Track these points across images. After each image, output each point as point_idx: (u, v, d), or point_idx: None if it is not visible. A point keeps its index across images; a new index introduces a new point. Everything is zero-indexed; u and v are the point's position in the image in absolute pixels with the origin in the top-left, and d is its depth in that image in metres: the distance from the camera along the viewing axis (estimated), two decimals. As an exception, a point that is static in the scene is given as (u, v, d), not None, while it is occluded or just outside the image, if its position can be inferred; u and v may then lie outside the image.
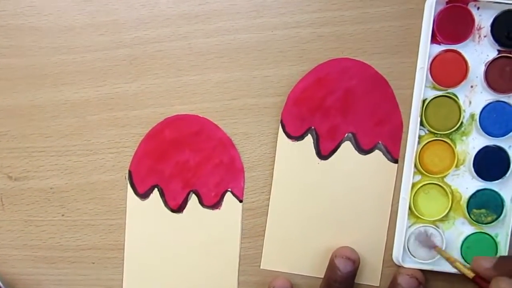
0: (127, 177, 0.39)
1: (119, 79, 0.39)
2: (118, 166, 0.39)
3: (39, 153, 0.39)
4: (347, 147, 0.39)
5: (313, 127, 0.39)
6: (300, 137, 0.39)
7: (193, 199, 0.39)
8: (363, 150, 0.39)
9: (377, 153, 0.39)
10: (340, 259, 0.37)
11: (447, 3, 0.37)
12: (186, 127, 0.39)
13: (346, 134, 0.39)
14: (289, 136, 0.39)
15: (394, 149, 0.38)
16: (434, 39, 0.37)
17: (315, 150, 0.39)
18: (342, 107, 0.38)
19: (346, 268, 0.37)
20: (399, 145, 0.38)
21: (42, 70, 0.39)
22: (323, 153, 0.39)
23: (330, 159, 0.39)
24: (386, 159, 0.39)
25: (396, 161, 0.39)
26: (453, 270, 0.37)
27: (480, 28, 0.37)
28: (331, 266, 0.37)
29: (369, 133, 0.39)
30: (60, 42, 0.39)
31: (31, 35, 0.39)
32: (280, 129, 0.39)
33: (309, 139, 0.39)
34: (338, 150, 0.39)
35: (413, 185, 0.38)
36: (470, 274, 0.34)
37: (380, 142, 0.39)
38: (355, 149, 0.39)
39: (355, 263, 0.37)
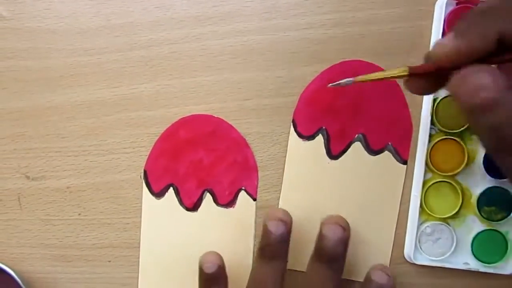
0: (142, 176, 0.40)
1: (134, 80, 0.39)
2: (133, 165, 0.40)
3: (56, 153, 0.40)
4: (357, 147, 0.39)
5: (324, 127, 0.39)
6: (311, 137, 0.39)
7: (208, 197, 0.40)
8: (373, 151, 0.39)
9: (386, 154, 0.39)
10: (272, 222, 0.36)
11: (457, 4, 0.37)
12: (200, 127, 0.39)
13: (357, 135, 0.39)
14: (300, 135, 0.39)
15: (403, 151, 0.39)
16: (444, 40, 0.37)
17: (326, 149, 0.39)
18: (353, 108, 0.39)
19: (278, 230, 0.35)
20: (408, 146, 0.39)
21: (58, 72, 0.40)
22: (333, 153, 0.39)
23: (340, 159, 0.39)
24: (395, 160, 0.39)
25: (405, 163, 0.39)
26: (465, 267, 0.38)
27: (489, 29, 0.38)
28: (264, 230, 0.36)
29: (379, 134, 0.39)
30: (76, 44, 0.39)
31: (48, 38, 0.39)
32: (292, 128, 0.39)
33: (320, 139, 0.39)
34: (348, 151, 0.39)
35: (424, 183, 0.38)
36: (404, 71, 0.29)
37: (389, 143, 0.39)
38: (365, 149, 0.39)
39: (287, 225, 0.36)
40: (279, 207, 0.39)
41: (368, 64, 0.39)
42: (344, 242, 0.36)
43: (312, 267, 0.37)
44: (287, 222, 0.36)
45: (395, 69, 0.29)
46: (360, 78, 0.31)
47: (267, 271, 0.36)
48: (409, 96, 0.39)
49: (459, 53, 0.25)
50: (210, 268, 0.36)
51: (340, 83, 0.32)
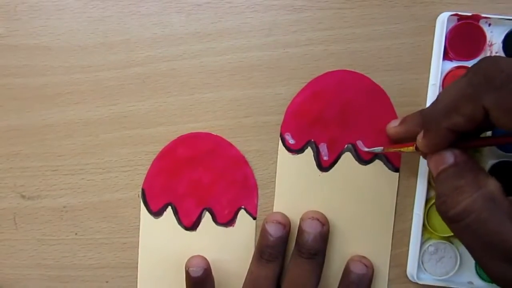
0: (140, 195, 0.39)
1: (132, 97, 0.39)
2: (131, 184, 0.39)
3: (52, 172, 0.39)
4: (347, 158, 0.39)
5: (312, 140, 0.39)
6: (300, 150, 0.39)
7: (207, 216, 0.39)
8: (364, 160, 0.39)
9: (377, 163, 0.39)
10: (271, 224, 0.37)
11: (458, 20, 0.37)
12: (199, 145, 0.39)
13: (346, 145, 0.39)
14: (289, 149, 0.39)
15: (394, 158, 0.38)
16: (446, 56, 0.37)
17: (316, 162, 0.39)
18: (341, 119, 0.38)
19: (277, 233, 0.37)
20: (399, 153, 0.38)
21: (55, 90, 0.39)
22: (324, 165, 0.39)
23: (331, 170, 0.39)
24: (387, 168, 0.38)
25: (397, 170, 0.38)
26: (469, 286, 0.37)
27: (491, 45, 0.37)
28: (263, 232, 0.38)
29: (369, 144, 0.39)
30: (72, 62, 0.39)
31: (44, 55, 0.39)
32: (280, 143, 0.39)
33: (309, 151, 0.39)
34: (339, 162, 0.39)
35: (427, 201, 0.38)
36: (410, 148, 0.34)
37: None
38: (356, 159, 0.39)
39: (286, 227, 0.38)
40: (278, 211, 0.39)
41: (353, 73, 0.38)
42: (323, 236, 0.37)
43: (293, 262, 0.37)
44: (286, 225, 0.37)
45: (406, 147, 0.35)
46: (387, 149, 0.37)
47: (264, 273, 0.37)
48: (410, 113, 0.38)
49: (429, 147, 0.32)
50: (196, 272, 0.37)
51: (374, 150, 0.38)
